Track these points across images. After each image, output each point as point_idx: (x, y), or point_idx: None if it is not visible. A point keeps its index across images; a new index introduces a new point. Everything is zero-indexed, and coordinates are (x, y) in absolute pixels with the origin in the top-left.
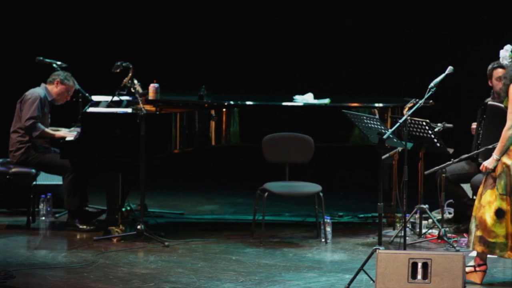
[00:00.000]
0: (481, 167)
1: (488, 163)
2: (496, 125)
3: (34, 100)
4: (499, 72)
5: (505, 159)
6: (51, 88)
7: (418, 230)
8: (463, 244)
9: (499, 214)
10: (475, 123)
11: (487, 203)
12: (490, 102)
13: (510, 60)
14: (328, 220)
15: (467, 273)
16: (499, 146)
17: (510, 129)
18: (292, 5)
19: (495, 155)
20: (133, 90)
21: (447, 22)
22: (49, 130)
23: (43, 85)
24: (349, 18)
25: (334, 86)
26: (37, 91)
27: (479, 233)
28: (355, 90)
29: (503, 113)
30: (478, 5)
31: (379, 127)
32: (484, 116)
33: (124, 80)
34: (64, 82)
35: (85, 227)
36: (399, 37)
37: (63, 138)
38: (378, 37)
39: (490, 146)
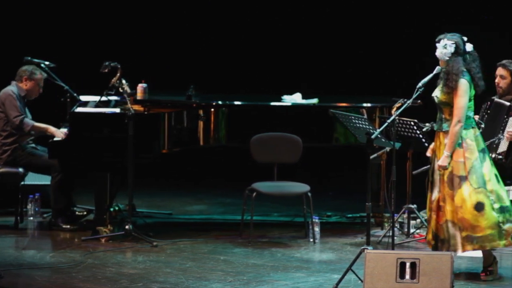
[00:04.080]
0: (437, 167)
1: (442, 161)
2: (497, 122)
3: (12, 98)
4: (500, 70)
5: (468, 155)
6: (21, 85)
7: (406, 230)
8: None
9: (479, 207)
10: (476, 116)
11: (462, 203)
12: (496, 99)
13: (450, 55)
14: (317, 220)
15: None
16: (449, 142)
17: (457, 124)
18: (280, 6)
19: (446, 152)
20: (121, 90)
21: (438, 23)
22: (39, 124)
23: (13, 82)
24: (337, 18)
25: (322, 86)
26: (10, 89)
27: (464, 233)
28: (343, 90)
29: (505, 110)
30: (476, 5)
31: (367, 127)
32: (488, 112)
33: (112, 80)
34: (31, 77)
35: (68, 226)
36: (388, 37)
37: (54, 135)
38: (367, 38)
39: (494, 139)
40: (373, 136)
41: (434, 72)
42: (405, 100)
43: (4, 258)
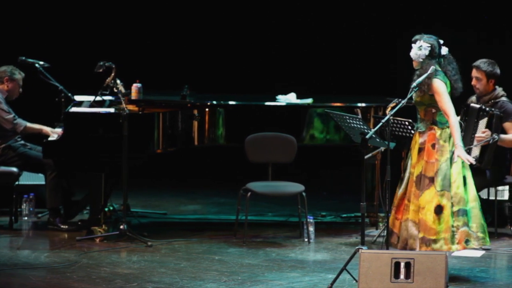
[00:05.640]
0: (468, 162)
1: (460, 153)
2: (472, 125)
3: None
4: (474, 72)
5: (438, 157)
6: (2, 87)
7: None
8: None
9: (438, 210)
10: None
11: (426, 203)
12: (472, 105)
13: (424, 57)
14: (311, 220)
15: None
16: (454, 136)
17: (454, 119)
18: (275, 5)
19: (458, 144)
20: (115, 90)
21: (432, 23)
22: (32, 124)
23: None
24: (333, 18)
25: (317, 85)
26: None
27: (421, 234)
28: (338, 90)
29: (475, 114)
30: (474, 4)
31: (362, 127)
32: (466, 118)
33: (107, 80)
34: (13, 77)
35: (66, 226)
36: (384, 37)
37: (48, 135)
38: (362, 37)
39: (472, 146)
40: (367, 136)
41: (429, 71)
42: (400, 100)
43: None
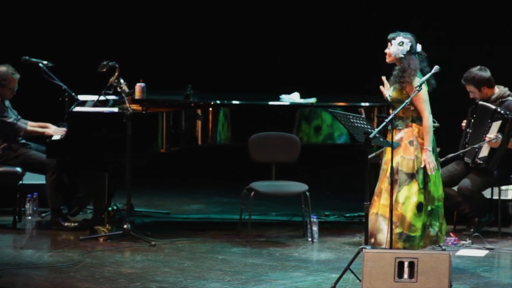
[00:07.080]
0: (427, 166)
1: (428, 157)
2: (482, 126)
3: None
4: (467, 87)
5: (418, 154)
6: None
7: None
8: (450, 243)
9: (419, 208)
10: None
11: (405, 199)
12: (480, 102)
13: (406, 53)
14: (315, 220)
15: None
16: (427, 137)
17: (429, 118)
18: (277, 5)
19: (429, 148)
20: (119, 90)
21: (432, 23)
22: (32, 128)
23: None
24: (336, 18)
25: (320, 85)
26: None
27: (398, 230)
28: (341, 90)
29: (489, 114)
30: (474, 5)
31: (365, 126)
32: (474, 116)
33: (110, 80)
34: (2, 83)
35: (70, 224)
36: (384, 37)
37: (51, 136)
38: (363, 37)
39: (476, 146)
40: (371, 136)
41: (433, 71)
42: None
43: (2, 258)
